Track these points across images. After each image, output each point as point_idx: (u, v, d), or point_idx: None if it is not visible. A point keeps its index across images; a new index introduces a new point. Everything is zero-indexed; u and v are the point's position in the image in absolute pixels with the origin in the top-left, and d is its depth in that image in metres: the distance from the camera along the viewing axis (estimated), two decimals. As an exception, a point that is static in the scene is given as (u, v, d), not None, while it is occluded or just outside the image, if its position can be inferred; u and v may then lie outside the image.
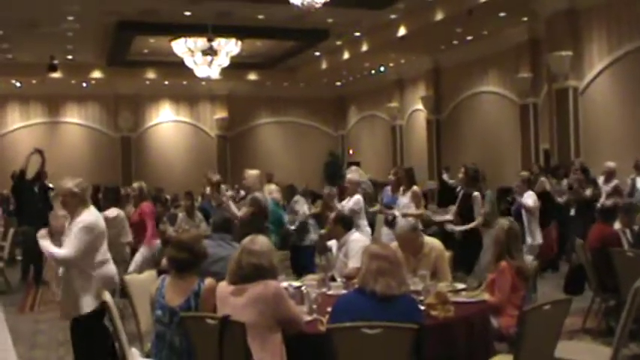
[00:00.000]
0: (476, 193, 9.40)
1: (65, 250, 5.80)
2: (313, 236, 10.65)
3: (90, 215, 5.96)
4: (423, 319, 4.47)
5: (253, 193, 8.86)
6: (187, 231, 5.59)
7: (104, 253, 6.07)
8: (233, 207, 9.06)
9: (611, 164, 12.60)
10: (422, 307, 4.83)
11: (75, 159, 25.60)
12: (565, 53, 15.30)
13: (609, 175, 12.60)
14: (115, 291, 6.29)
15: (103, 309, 5.64)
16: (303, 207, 10.88)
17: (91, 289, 5.84)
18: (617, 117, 14.75)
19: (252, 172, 9.17)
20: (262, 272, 4.45)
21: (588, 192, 12.36)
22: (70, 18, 17.56)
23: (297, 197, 11.11)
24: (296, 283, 5.96)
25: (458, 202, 9.76)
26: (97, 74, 25.14)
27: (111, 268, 6.10)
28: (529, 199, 10.41)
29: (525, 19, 17.80)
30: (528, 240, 10.07)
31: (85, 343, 5.96)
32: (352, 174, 10.17)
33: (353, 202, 9.58)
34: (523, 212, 10.62)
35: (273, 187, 10.93)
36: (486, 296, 5.53)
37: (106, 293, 5.20)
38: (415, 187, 10.02)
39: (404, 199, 9.99)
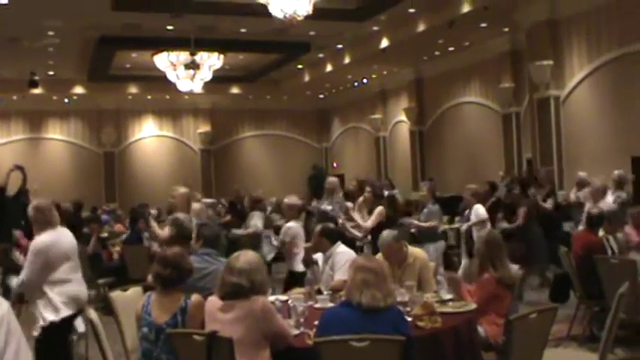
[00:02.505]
0: (380, 208, 9.48)
1: (21, 276, 6.15)
2: (266, 250, 10.55)
3: (45, 237, 6.17)
4: (410, 330, 4.47)
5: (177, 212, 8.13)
6: (172, 247, 5.57)
7: (66, 272, 6.23)
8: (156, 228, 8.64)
9: (582, 174, 12.59)
10: (409, 319, 4.84)
11: (58, 175, 25.45)
12: (546, 63, 15.39)
13: (580, 185, 12.56)
14: (82, 311, 6.41)
15: (63, 324, 6.07)
16: (257, 222, 10.61)
17: (48, 304, 6.08)
18: (598, 125, 14.84)
19: (182, 191, 8.67)
20: (241, 291, 4.44)
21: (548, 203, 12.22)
22: (51, 33, 17.49)
23: (257, 213, 10.82)
24: (283, 297, 5.95)
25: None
26: (78, 90, 25.01)
27: (73, 288, 6.24)
28: (477, 211, 10.31)
29: (506, 29, 17.90)
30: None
31: (45, 355, 6.07)
32: (289, 198, 9.77)
33: (283, 231, 9.37)
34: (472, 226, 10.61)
35: (197, 206, 10.24)
36: (474, 306, 5.54)
37: (91, 311, 5.18)
38: (360, 199, 10.09)
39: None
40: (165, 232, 7.97)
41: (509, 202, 11.84)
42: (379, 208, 9.56)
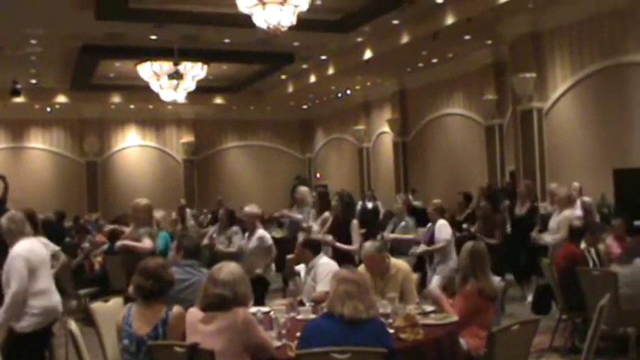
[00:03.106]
0: (354, 222, 9.17)
1: (12, 288, 5.95)
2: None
3: (23, 244, 6.15)
4: (392, 342, 4.46)
5: (145, 227, 8.13)
6: (153, 258, 5.54)
7: (46, 279, 6.23)
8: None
9: (553, 186, 12.54)
10: (391, 330, 4.83)
11: (40, 185, 25.32)
12: (529, 75, 15.47)
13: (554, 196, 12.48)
14: (56, 320, 6.41)
15: (35, 336, 5.99)
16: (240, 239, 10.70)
17: (25, 315, 6.00)
18: (581, 137, 14.93)
19: (144, 203, 8.28)
20: (226, 302, 4.42)
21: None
22: (34, 42, 17.42)
23: (236, 228, 10.63)
24: (265, 309, 5.93)
25: (330, 228, 9.28)
26: (61, 99, 24.89)
27: (50, 299, 6.20)
28: (440, 229, 10.16)
29: (490, 41, 17.97)
30: (438, 268, 9.90)
31: None
32: (249, 207, 9.66)
33: (256, 239, 9.26)
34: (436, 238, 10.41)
35: (159, 214, 9.98)
36: (456, 318, 5.53)
37: (71, 322, 5.14)
38: (326, 213, 9.90)
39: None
40: (145, 243, 7.89)
41: (481, 216, 11.74)
42: (354, 223, 9.25)
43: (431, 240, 10.04)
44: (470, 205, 12.40)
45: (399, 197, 11.72)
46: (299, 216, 11.14)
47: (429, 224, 10.16)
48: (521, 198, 12.25)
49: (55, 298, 6.35)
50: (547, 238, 10.53)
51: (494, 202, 11.79)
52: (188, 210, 18.71)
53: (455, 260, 9.67)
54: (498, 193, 14.79)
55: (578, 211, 11.50)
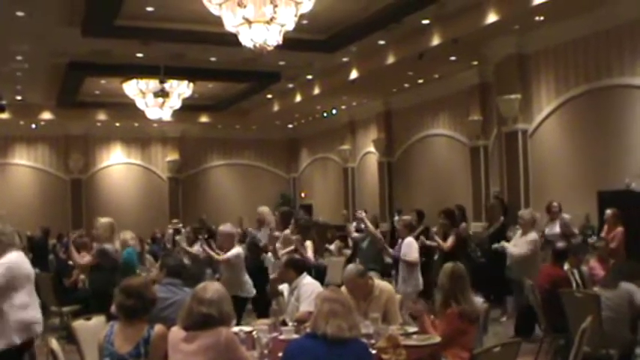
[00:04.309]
0: (307, 242, 9.24)
1: None
2: None
3: (13, 255, 6.16)
4: (375, 364, 4.45)
5: (102, 242, 8.49)
6: (137, 276, 5.51)
7: (24, 296, 6.17)
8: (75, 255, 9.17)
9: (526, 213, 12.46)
10: (373, 351, 4.81)
11: (24, 201, 25.19)
12: (514, 96, 15.56)
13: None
14: (36, 337, 6.36)
15: (13, 351, 5.91)
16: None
17: (3, 330, 5.97)
18: (565, 159, 15.00)
19: (104, 221, 8.70)
20: (212, 321, 4.41)
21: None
22: (19, 58, 17.38)
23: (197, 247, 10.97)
24: (247, 328, 5.90)
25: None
26: (46, 115, 24.81)
27: (31, 315, 6.16)
28: (409, 246, 10.11)
29: (475, 63, 18.07)
30: (401, 287, 9.87)
31: None
32: (224, 226, 9.66)
33: (231, 254, 9.23)
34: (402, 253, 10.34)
35: (128, 235, 9.81)
36: (438, 339, 5.52)
37: (52, 340, 5.09)
38: (286, 231, 9.99)
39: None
40: (85, 259, 8.04)
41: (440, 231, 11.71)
42: (307, 243, 9.28)
43: (399, 256, 10.09)
44: (422, 221, 12.42)
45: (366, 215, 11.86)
46: (257, 233, 11.17)
47: (400, 240, 10.22)
48: (494, 217, 12.37)
49: (34, 314, 6.29)
50: (511, 248, 10.58)
51: (452, 220, 11.76)
52: (183, 230, 18.66)
53: (419, 281, 9.76)
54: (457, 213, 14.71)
55: (556, 229, 11.63)
